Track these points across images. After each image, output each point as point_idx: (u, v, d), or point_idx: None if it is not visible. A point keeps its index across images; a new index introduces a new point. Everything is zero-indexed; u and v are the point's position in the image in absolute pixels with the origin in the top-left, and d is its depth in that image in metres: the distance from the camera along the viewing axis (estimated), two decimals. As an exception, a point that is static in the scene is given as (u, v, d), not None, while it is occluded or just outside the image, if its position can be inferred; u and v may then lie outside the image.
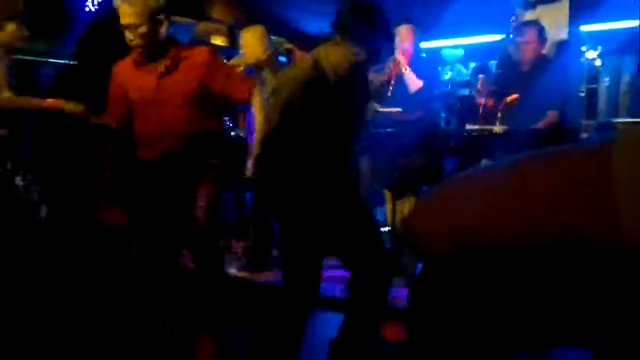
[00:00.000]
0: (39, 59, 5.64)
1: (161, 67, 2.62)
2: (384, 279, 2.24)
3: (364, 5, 2.21)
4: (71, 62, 3.22)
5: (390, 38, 2.31)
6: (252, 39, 3.71)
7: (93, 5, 5.12)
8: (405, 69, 3.59)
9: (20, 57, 5.73)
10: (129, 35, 2.58)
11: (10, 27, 2.87)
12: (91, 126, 2.82)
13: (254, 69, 3.78)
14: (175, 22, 5.83)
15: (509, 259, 0.58)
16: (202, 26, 6.30)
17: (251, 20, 4.34)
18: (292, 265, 2.23)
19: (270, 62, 3.77)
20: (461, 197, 0.63)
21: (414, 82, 3.58)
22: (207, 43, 6.36)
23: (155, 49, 2.61)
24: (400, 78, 3.73)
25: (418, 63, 3.72)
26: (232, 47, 6.22)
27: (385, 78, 3.71)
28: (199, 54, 2.67)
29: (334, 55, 2.13)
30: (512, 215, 0.58)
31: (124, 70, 2.73)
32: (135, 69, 2.68)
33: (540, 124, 3.17)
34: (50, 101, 2.68)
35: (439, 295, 0.69)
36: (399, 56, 3.61)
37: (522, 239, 0.57)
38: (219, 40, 6.36)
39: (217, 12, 6.00)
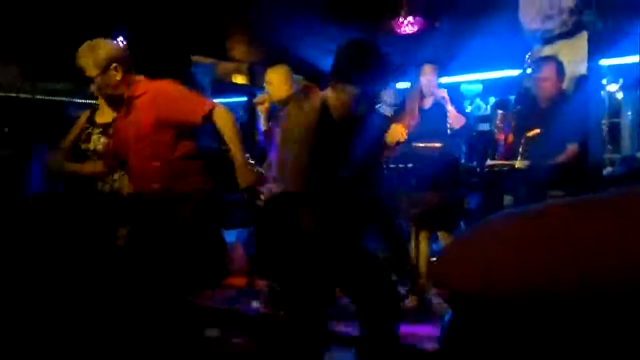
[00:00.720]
0: (64, 99, 5.80)
1: (121, 110, 2.79)
2: (390, 312, 2.25)
3: (357, 47, 2.25)
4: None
5: (387, 75, 2.34)
6: (277, 77, 3.82)
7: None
8: (449, 106, 3.66)
9: (47, 97, 5.90)
10: (92, 87, 2.75)
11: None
12: None
13: (278, 106, 3.91)
14: (197, 62, 6.01)
15: (543, 307, 0.58)
16: (224, 65, 6.45)
17: (271, 59, 4.43)
18: (299, 299, 2.25)
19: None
20: (498, 240, 0.63)
21: (458, 119, 3.65)
22: (228, 82, 6.50)
23: (117, 95, 2.75)
24: (423, 112, 3.77)
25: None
26: (253, 85, 6.34)
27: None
28: (151, 88, 2.74)
29: (333, 99, 2.20)
30: (546, 263, 0.57)
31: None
32: (117, 115, 2.86)
33: (559, 158, 3.14)
34: None
35: (469, 338, 0.68)
36: (443, 93, 3.69)
37: (555, 287, 0.56)
38: (239, 79, 6.49)
39: (237, 52, 6.14)
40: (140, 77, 2.78)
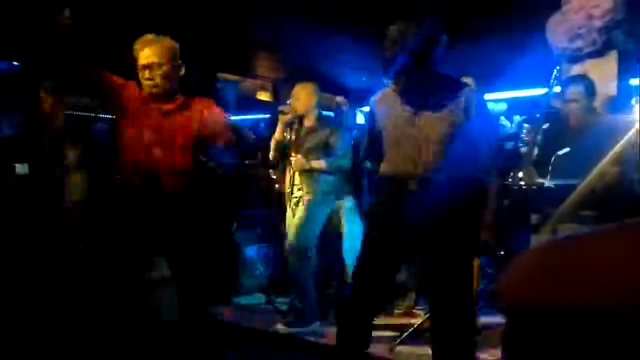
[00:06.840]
0: (92, 114, 5.88)
1: (167, 107, 2.81)
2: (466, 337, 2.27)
3: None
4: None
5: None
6: (304, 93, 3.98)
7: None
8: None
9: (75, 113, 5.98)
10: (149, 74, 2.73)
11: (49, 100, 3.15)
12: None
13: (301, 120, 4.05)
14: (223, 78, 6.08)
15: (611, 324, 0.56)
16: (248, 82, 6.51)
17: (295, 77, 4.48)
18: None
19: (313, 115, 4.05)
20: (564, 259, 0.61)
21: None
22: (253, 98, 6.56)
23: (168, 91, 2.79)
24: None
25: None
26: (276, 102, 6.38)
27: None
28: (202, 103, 2.89)
29: None
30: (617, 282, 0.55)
31: (134, 95, 2.85)
32: (142, 104, 2.82)
33: (601, 183, 3.02)
34: None
35: (530, 353, 0.66)
36: None
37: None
38: (263, 96, 6.55)
39: (261, 69, 6.19)
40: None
